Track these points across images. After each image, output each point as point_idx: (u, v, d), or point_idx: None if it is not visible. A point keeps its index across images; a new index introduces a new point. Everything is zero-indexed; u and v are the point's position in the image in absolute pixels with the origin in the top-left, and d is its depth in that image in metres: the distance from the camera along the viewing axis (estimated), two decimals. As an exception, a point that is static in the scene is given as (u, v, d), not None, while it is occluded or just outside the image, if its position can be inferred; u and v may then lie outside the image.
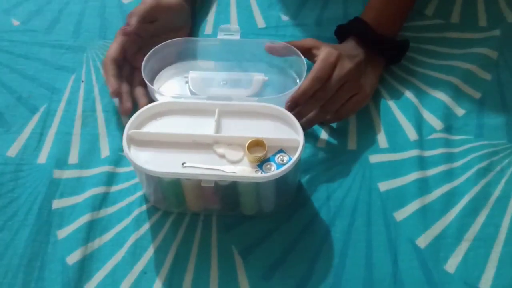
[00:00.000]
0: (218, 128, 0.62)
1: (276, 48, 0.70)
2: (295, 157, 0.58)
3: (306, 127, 0.67)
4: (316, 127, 0.70)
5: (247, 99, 0.65)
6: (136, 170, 0.61)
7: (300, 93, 0.65)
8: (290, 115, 0.62)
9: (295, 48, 0.69)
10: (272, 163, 0.59)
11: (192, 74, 0.71)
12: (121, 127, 0.70)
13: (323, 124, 0.70)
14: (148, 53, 0.70)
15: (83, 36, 0.82)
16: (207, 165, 0.58)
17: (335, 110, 0.68)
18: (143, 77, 0.68)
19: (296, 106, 0.65)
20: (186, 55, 0.74)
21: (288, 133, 0.61)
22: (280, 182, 0.58)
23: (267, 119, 0.63)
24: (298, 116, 0.63)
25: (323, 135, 0.69)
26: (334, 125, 0.70)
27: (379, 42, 0.70)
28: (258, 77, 0.69)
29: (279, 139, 0.60)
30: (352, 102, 0.68)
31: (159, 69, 0.73)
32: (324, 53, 0.66)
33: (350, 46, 0.70)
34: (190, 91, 0.70)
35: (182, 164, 0.59)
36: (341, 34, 0.73)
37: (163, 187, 0.60)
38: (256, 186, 0.59)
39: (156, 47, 0.71)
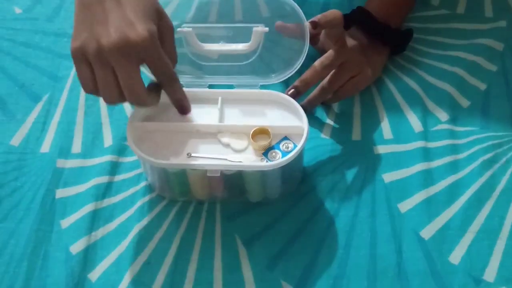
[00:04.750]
0: (221, 117, 0.62)
1: (288, 28, 0.66)
2: (300, 145, 0.57)
3: (308, 108, 0.68)
4: (321, 117, 0.70)
5: (249, 87, 0.64)
6: (141, 161, 0.61)
7: (304, 84, 0.66)
8: (293, 102, 0.61)
9: (307, 30, 0.63)
10: (277, 150, 0.59)
11: (186, 28, 0.64)
12: (124, 116, 0.70)
13: (324, 104, 0.70)
14: None
15: (85, 24, 0.81)
16: (212, 155, 0.58)
17: (334, 90, 0.68)
18: None
19: (299, 94, 0.66)
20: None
21: (292, 120, 0.61)
22: (286, 169, 0.58)
23: (270, 106, 0.63)
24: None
25: (328, 126, 0.69)
26: (337, 110, 0.70)
27: (381, 31, 0.70)
28: (258, 28, 0.64)
29: (283, 127, 0.60)
30: (352, 83, 0.68)
31: None
32: (339, 48, 0.65)
33: (353, 33, 0.69)
34: (186, 44, 0.65)
35: (187, 154, 0.59)
36: (345, 23, 0.73)
37: (169, 177, 0.60)
38: (262, 174, 0.59)
39: None
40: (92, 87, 0.52)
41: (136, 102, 0.53)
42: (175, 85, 0.57)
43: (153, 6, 0.53)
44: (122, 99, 0.53)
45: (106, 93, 0.52)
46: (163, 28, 0.54)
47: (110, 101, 0.53)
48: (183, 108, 0.59)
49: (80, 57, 0.51)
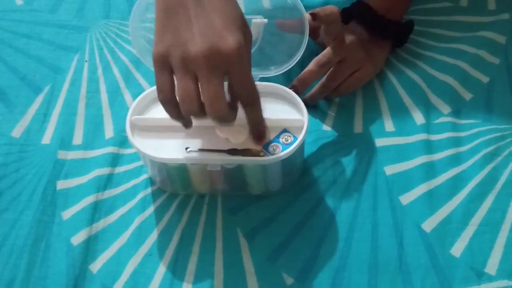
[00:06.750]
0: None
1: (287, 24, 0.66)
2: (300, 138, 0.57)
3: (310, 103, 0.68)
4: (322, 109, 0.69)
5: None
6: (141, 156, 0.61)
7: (301, 83, 0.66)
8: (293, 94, 0.61)
9: (307, 22, 0.64)
10: (277, 143, 0.58)
11: None
12: (125, 108, 0.70)
13: (326, 99, 0.70)
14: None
15: (87, 15, 0.81)
16: (212, 149, 0.58)
17: (335, 86, 0.68)
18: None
19: (297, 94, 0.65)
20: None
21: (292, 112, 0.61)
22: (287, 162, 0.58)
23: (270, 99, 0.62)
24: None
25: (329, 118, 0.69)
26: (338, 103, 0.70)
27: (382, 25, 0.69)
28: (257, 20, 0.63)
29: (283, 120, 0.60)
30: (353, 79, 0.68)
31: None
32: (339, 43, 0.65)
33: (353, 27, 0.69)
34: None
35: (186, 149, 0.58)
36: (345, 17, 0.72)
37: (169, 171, 0.60)
38: (263, 168, 0.58)
39: None
40: (170, 97, 0.49)
41: (217, 117, 0.49)
42: (256, 106, 0.52)
43: (241, 14, 0.49)
44: (202, 112, 0.49)
45: (186, 104, 0.48)
46: (246, 39, 0.50)
47: (189, 114, 0.50)
48: (260, 135, 0.55)
49: (163, 63, 0.48)
